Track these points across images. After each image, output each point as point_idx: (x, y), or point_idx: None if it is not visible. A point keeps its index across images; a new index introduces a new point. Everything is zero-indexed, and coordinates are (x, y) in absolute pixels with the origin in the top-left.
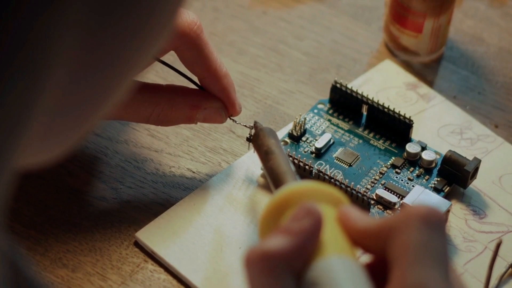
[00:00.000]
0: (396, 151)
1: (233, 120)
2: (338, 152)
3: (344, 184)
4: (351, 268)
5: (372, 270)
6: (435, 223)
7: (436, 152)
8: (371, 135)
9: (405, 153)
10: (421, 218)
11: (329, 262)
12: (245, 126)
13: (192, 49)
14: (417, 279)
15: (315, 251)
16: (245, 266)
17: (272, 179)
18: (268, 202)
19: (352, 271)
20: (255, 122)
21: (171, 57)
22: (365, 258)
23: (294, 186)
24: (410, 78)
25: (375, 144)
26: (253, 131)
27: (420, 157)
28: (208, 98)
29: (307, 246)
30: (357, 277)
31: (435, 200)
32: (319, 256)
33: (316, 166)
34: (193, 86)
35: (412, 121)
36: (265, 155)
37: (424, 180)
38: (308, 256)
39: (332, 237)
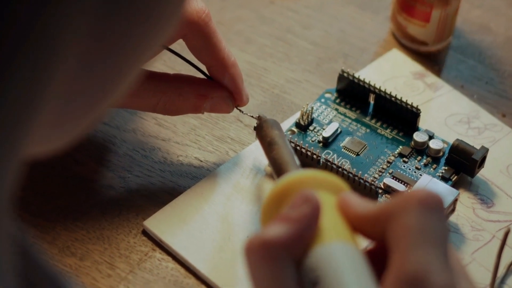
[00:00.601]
0: (404, 140)
1: (240, 110)
2: (346, 141)
3: (351, 173)
4: (350, 254)
5: (373, 256)
6: (434, 206)
7: (444, 141)
8: (379, 124)
9: (412, 142)
10: (419, 202)
11: (328, 249)
12: (252, 116)
13: (200, 37)
14: (416, 263)
15: (314, 238)
16: (245, 255)
17: (275, 169)
18: (269, 191)
19: (352, 257)
20: (259, 115)
21: (178, 46)
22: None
23: (295, 174)
24: (417, 67)
25: (383, 133)
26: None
27: (428, 146)
28: (215, 87)
29: (306, 233)
30: (357, 263)
31: (443, 189)
32: (319, 242)
33: (324, 155)
34: (200, 75)
35: (419, 110)
36: (268, 146)
37: (431, 169)
38: (307, 243)
39: (331, 223)
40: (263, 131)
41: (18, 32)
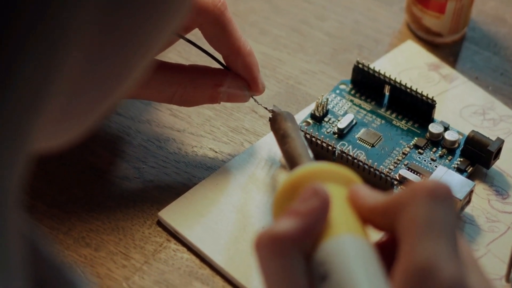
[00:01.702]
0: (419, 132)
1: (255, 100)
2: (361, 132)
3: (367, 164)
4: (359, 247)
5: (384, 248)
6: (442, 197)
7: (459, 133)
8: (394, 115)
9: (427, 134)
10: (427, 193)
11: (337, 242)
12: (266, 108)
13: (216, 26)
14: (423, 255)
15: (324, 231)
16: (255, 250)
17: (288, 162)
18: (281, 184)
19: (361, 250)
20: (273, 106)
21: (193, 36)
22: (377, 236)
23: (306, 167)
24: (432, 58)
25: (398, 124)
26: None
27: (443, 137)
28: (232, 77)
29: (315, 227)
30: (366, 256)
31: (458, 180)
32: (328, 236)
33: (339, 146)
34: (215, 65)
35: (435, 101)
36: (281, 139)
37: (447, 160)
38: (317, 237)
39: (341, 216)
40: (276, 124)
41: (23, 27)
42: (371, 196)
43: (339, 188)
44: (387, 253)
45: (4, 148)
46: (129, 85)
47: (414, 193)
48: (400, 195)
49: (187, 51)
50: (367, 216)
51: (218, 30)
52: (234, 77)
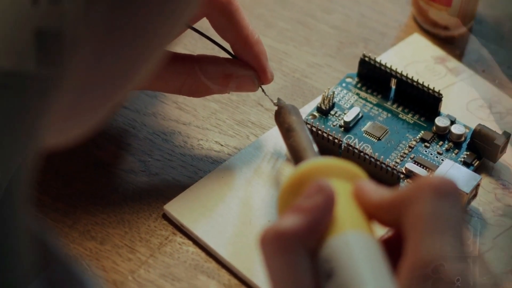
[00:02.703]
0: (425, 125)
1: (263, 90)
2: (367, 126)
3: (373, 157)
4: (365, 244)
5: (389, 244)
6: (448, 193)
7: (465, 126)
8: (400, 109)
9: (434, 127)
10: (433, 189)
11: (343, 238)
12: (272, 101)
13: (224, 15)
14: (430, 250)
15: (329, 228)
16: (260, 247)
17: (293, 156)
18: (285, 180)
19: (366, 247)
20: (278, 99)
21: (200, 27)
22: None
23: (310, 162)
24: (439, 52)
25: (404, 118)
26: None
27: (449, 131)
28: (240, 66)
29: (320, 223)
30: (372, 252)
31: (465, 174)
32: (333, 232)
33: (345, 140)
34: (223, 55)
35: (441, 94)
36: (286, 133)
37: (453, 154)
38: (322, 233)
39: (346, 212)
40: (281, 117)
41: None
42: (377, 191)
43: (344, 184)
44: (393, 249)
45: (12, 147)
46: (137, 81)
47: (420, 189)
48: (405, 191)
49: (193, 44)
50: (373, 212)
51: (226, 19)
52: (242, 66)
